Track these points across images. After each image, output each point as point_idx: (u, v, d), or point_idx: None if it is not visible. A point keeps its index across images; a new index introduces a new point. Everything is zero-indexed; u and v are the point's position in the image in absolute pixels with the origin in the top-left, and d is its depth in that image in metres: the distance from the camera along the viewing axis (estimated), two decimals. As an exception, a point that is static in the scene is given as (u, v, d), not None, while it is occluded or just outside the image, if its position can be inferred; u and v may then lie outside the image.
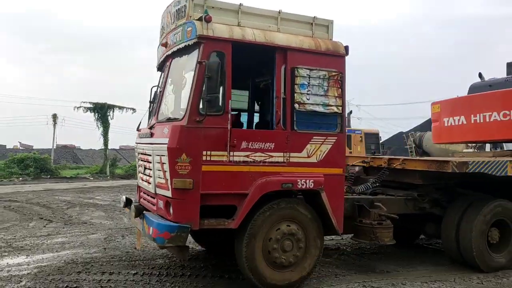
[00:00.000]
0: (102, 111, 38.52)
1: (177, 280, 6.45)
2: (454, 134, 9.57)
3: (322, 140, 6.17)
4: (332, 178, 6.20)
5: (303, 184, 5.94)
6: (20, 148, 55.71)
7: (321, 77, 6.15)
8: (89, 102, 37.27)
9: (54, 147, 42.95)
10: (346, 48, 6.40)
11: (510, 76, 9.30)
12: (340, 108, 6.28)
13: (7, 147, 53.81)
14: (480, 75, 9.84)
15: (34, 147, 52.21)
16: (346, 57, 6.40)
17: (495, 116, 8.74)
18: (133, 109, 38.09)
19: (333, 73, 6.22)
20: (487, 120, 8.86)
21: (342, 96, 6.29)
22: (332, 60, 6.29)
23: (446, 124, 9.72)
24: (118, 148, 56.64)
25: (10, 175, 29.36)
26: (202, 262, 7.45)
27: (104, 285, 6.21)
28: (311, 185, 5.98)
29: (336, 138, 6.28)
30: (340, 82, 6.26)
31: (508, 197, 7.55)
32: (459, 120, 9.37)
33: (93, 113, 38.59)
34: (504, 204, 7.37)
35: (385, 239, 6.72)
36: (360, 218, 6.86)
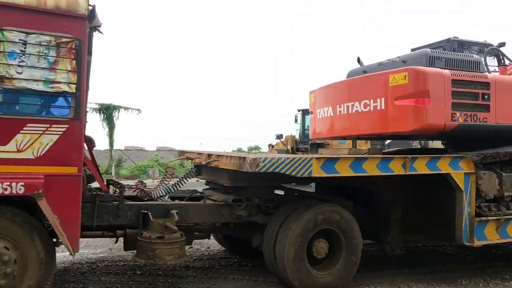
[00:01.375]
0: (107, 112, 37.90)
1: (181, 281, 6.25)
2: (325, 128, 7.84)
3: (43, 129, 4.62)
4: (60, 180, 4.67)
5: (5, 189, 4.36)
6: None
7: (45, 44, 4.60)
8: (94, 103, 36.66)
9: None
10: (92, 8, 4.83)
11: (386, 60, 7.46)
12: (74, 86, 4.70)
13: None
14: (358, 59, 8.04)
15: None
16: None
17: (356, 107, 6.99)
18: (139, 110, 37.12)
19: (65, 40, 4.65)
20: (350, 111, 7.13)
21: (79, 70, 4.71)
22: (65, 22, 4.71)
23: (318, 116, 7.98)
24: (123, 148, 56.10)
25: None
26: (207, 263, 7.30)
27: (110, 286, 6.01)
28: (20, 190, 4.42)
29: (67, 126, 4.69)
30: (76, 52, 4.67)
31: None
32: (327, 111, 7.63)
33: (98, 114, 37.96)
34: (330, 209, 5.79)
35: (167, 257, 5.21)
36: (143, 231, 5.27)
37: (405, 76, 6.47)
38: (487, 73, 7.04)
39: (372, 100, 6.84)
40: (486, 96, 6.84)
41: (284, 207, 6.02)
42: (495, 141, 7.02)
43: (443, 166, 6.05)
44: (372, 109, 6.84)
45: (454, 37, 8.90)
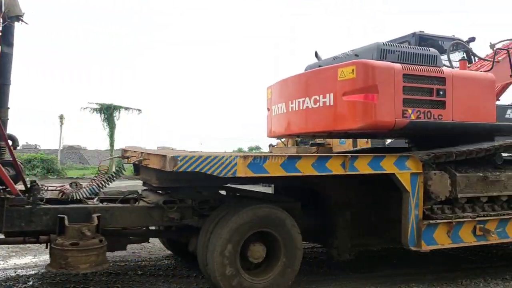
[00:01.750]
0: (108, 112, 37.82)
1: (183, 281, 6.21)
2: (280, 126, 7.44)
3: None
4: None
5: None
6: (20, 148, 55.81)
7: None
8: (95, 103, 36.57)
9: (61, 148, 42.38)
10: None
11: (341, 54, 7.04)
12: None
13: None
14: (316, 54, 7.62)
15: (40, 148, 52.00)
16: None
17: (307, 103, 6.58)
18: (139, 110, 37.29)
19: None
20: (301, 107, 6.72)
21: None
22: None
23: (273, 113, 7.58)
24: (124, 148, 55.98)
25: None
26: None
27: (111, 286, 5.98)
28: None
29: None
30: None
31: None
32: (281, 108, 7.23)
33: (99, 114, 37.94)
34: (267, 211, 5.41)
35: (81, 265, 4.82)
36: (58, 237, 4.91)
37: (353, 70, 6.06)
38: (444, 68, 6.58)
39: (321, 96, 6.43)
40: (441, 92, 6.42)
41: (219, 209, 5.62)
42: (465, 139, 6.60)
43: (388, 166, 5.63)
44: (321, 105, 6.43)
45: (419, 31, 8.50)
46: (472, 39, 8.82)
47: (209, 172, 4.79)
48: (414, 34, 8.37)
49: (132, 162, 6.20)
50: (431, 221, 5.89)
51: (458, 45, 8.10)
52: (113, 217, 5.32)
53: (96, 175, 6.11)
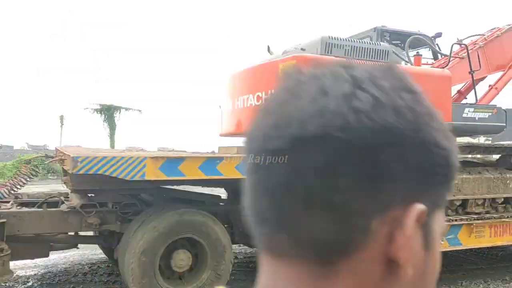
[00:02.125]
0: (108, 112, 37.70)
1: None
2: (227, 124, 7.01)
3: None
4: None
5: None
6: (28, 149, 55.49)
7: None
8: (96, 104, 36.46)
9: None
10: None
11: (292, 47, 6.59)
12: None
13: (14, 148, 53.43)
14: (268, 48, 7.18)
15: (48, 148, 51.80)
16: None
17: (251, 100, 6.14)
18: (139, 110, 37.40)
19: None
20: (245, 105, 6.27)
21: None
22: None
23: (225, 109, 7.16)
24: (124, 149, 55.76)
25: (17, 176, 29.13)
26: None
27: (111, 286, 5.98)
28: None
29: None
30: None
31: None
32: (228, 104, 6.81)
33: (99, 114, 37.87)
34: (191, 216, 4.90)
35: None
36: None
37: (293, 66, 5.61)
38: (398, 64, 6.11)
39: (264, 93, 5.99)
40: None
41: (143, 213, 5.21)
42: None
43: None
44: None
45: (382, 26, 8.02)
46: (439, 35, 8.35)
47: (113, 175, 4.37)
48: (375, 29, 7.90)
49: (50, 162, 5.79)
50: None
51: (418, 41, 7.62)
52: (22, 223, 4.91)
53: (13, 176, 5.71)
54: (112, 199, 5.31)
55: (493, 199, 6.48)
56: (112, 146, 36.64)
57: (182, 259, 5.02)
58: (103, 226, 5.25)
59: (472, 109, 6.70)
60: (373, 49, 6.15)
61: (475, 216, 6.19)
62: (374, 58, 6.11)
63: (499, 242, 6.35)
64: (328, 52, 5.85)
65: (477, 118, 6.72)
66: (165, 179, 4.57)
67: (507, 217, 6.41)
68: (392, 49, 6.39)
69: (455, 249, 6.02)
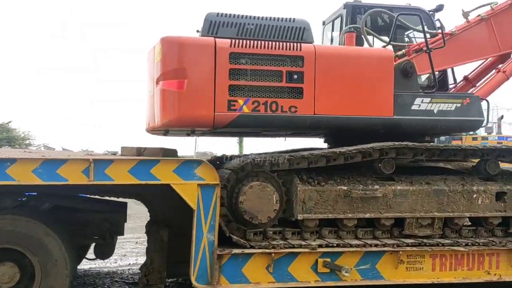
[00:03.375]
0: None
1: None
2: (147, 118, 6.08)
3: None
4: None
5: None
6: None
7: None
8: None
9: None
10: None
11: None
12: None
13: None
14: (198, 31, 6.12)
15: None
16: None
17: (150, 91, 5.29)
18: None
19: None
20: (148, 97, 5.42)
21: None
22: None
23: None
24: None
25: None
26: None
27: None
28: None
29: None
30: None
31: None
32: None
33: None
34: (6, 222, 4.14)
35: None
36: None
37: (160, 50, 4.62)
38: (305, 45, 4.76)
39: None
40: (295, 76, 4.65)
41: None
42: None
43: (164, 174, 4.08)
44: (152, 94, 5.07)
45: (354, 0, 6.46)
46: (440, 8, 6.55)
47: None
48: (345, 5, 6.41)
49: None
50: (241, 251, 4.21)
51: (375, 13, 5.98)
52: None
53: None
54: None
55: (451, 220, 4.78)
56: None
57: (5, 273, 4.22)
58: None
59: (428, 99, 5.01)
60: (280, 26, 4.84)
61: (409, 242, 4.58)
62: (285, 38, 4.82)
63: (446, 279, 4.62)
64: (213, 33, 4.70)
65: (435, 111, 5.02)
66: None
67: (465, 244, 4.67)
68: (308, 26, 4.95)
69: (371, 283, 4.48)
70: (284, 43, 4.71)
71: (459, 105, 5.08)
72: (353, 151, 4.47)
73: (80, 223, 4.88)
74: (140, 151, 4.75)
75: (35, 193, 4.61)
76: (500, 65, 6.07)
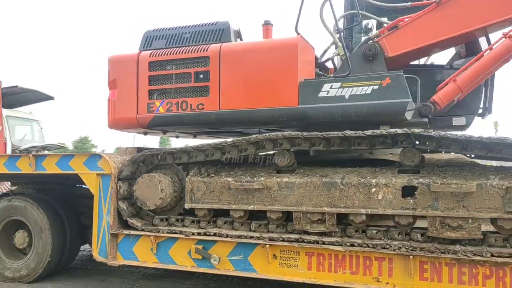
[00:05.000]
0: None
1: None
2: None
3: None
4: None
5: None
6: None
7: None
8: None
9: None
10: None
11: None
12: None
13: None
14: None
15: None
16: None
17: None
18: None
19: None
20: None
21: None
22: None
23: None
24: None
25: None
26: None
27: None
28: None
29: None
30: None
31: None
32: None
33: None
34: (12, 201, 5.79)
35: None
36: None
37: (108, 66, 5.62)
38: (212, 45, 5.00)
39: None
40: (201, 76, 5.01)
41: None
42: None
43: (77, 166, 5.00)
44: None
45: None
46: None
47: None
48: None
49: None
50: (129, 232, 4.78)
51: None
52: None
53: None
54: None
55: (346, 216, 4.21)
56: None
57: (20, 238, 5.72)
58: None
59: (338, 84, 4.49)
60: (205, 31, 5.20)
61: (285, 237, 4.25)
62: (208, 41, 5.17)
63: (324, 281, 4.05)
64: (147, 46, 5.41)
65: (347, 97, 4.46)
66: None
67: (349, 244, 4.04)
68: (228, 26, 5.06)
69: (244, 275, 4.32)
70: (193, 47, 5.04)
71: (376, 87, 4.37)
72: (243, 141, 4.45)
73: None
74: (140, 150, 5.59)
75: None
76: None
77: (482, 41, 5.22)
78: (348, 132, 4.11)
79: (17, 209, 5.68)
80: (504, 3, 4.47)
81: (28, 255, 5.63)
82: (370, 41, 4.84)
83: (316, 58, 5.36)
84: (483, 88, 5.26)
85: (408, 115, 4.38)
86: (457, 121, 5.26)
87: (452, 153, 4.64)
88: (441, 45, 5.03)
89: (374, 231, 4.13)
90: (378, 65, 4.73)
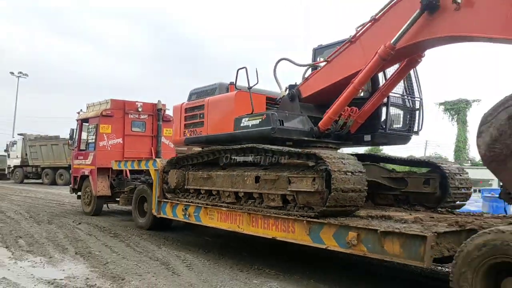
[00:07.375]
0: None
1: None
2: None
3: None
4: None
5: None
6: None
7: None
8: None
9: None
10: None
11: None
12: None
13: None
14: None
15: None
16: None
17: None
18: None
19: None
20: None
21: None
22: None
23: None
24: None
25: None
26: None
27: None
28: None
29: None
30: None
31: None
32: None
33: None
34: (141, 186, 10.77)
35: None
36: None
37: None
38: (207, 98, 8.72)
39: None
40: (201, 115, 8.87)
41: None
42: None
43: (146, 166, 9.46)
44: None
45: (318, 45, 8.75)
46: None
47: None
48: (314, 50, 8.81)
49: None
50: (163, 200, 8.92)
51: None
52: None
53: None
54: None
55: (237, 193, 7.30)
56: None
57: (147, 206, 10.68)
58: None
59: (247, 118, 7.59)
60: (206, 90, 8.98)
61: (209, 203, 7.63)
62: (211, 95, 8.96)
63: (223, 226, 7.23)
64: (189, 99, 9.52)
65: (250, 126, 7.50)
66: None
67: (233, 208, 7.15)
68: (218, 85, 8.62)
69: (197, 223, 7.85)
70: (200, 100, 8.86)
71: (260, 120, 7.27)
72: (204, 152, 8.09)
73: None
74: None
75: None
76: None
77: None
78: (235, 146, 7.26)
79: (145, 191, 10.45)
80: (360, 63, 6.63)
81: (147, 215, 10.36)
82: (293, 88, 7.70)
83: (275, 99, 8.34)
84: (381, 111, 7.36)
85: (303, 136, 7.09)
86: (366, 137, 7.57)
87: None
88: (333, 87, 7.45)
89: (243, 200, 7.12)
90: (295, 103, 7.56)
